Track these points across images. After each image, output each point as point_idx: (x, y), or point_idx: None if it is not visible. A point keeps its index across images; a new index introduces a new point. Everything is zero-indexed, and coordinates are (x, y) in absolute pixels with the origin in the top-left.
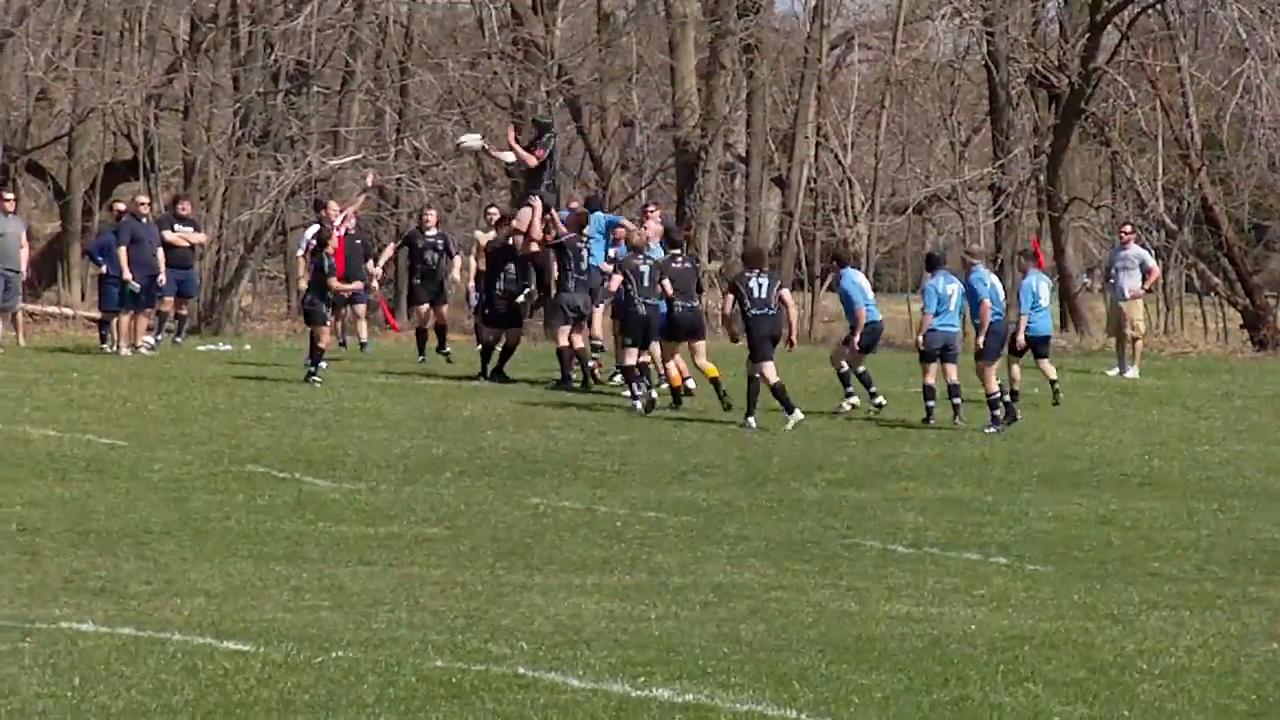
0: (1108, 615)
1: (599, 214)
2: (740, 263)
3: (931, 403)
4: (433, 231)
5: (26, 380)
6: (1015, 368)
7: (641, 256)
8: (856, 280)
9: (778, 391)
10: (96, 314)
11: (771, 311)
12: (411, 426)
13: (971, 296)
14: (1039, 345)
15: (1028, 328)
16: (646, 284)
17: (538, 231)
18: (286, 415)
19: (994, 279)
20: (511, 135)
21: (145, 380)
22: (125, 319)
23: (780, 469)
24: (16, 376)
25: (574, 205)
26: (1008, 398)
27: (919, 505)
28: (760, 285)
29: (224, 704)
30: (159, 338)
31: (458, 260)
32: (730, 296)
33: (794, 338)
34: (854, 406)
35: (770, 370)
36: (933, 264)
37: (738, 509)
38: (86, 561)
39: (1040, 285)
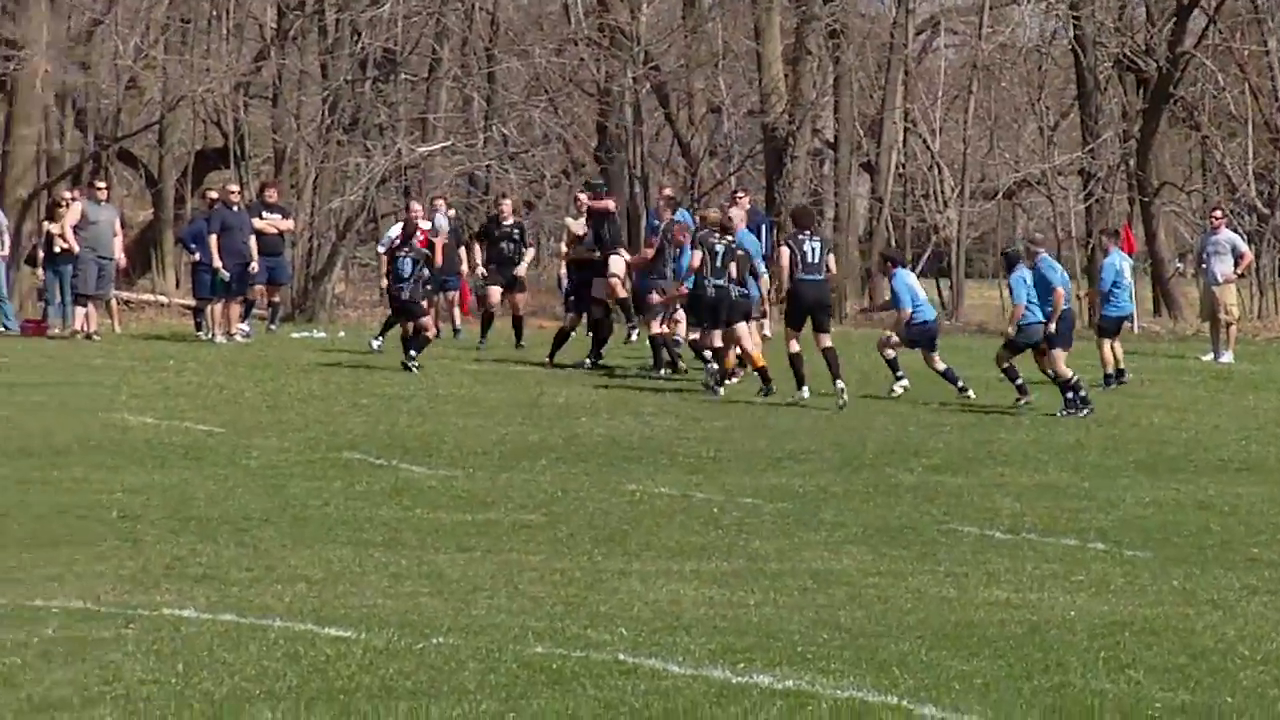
0: (1207, 601)
1: (682, 211)
2: (790, 222)
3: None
4: (509, 221)
5: (123, 368)
6: (1116, 346)
7: (718, 235)
8: (907, 280)
9: (795, 361)
10: (191, 301)
11: (820, 278)
12: (507, 413)
13: (1043, 285)
14: (1116, 325)
15: (1111, 306)
16: (719, 264)
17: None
18: (382, 402)
19: (1061, 267)
20: (583, 203)
21: (241, 368)
22: (219, 307)
23: (876, 455)
24: (113, 364)
25: (667, 192)
26: (1081, 382)
27: (1016, 491)
28: (813, 250)
29: (326, 690)
30: (251, 325)
31: (530, 252)
32: (786, 252)
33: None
34: (905, 389)
35: (795, 342)
36: (1011, 263)
37: (834, 495)
38: (187, 548)
39: (1123, 265)
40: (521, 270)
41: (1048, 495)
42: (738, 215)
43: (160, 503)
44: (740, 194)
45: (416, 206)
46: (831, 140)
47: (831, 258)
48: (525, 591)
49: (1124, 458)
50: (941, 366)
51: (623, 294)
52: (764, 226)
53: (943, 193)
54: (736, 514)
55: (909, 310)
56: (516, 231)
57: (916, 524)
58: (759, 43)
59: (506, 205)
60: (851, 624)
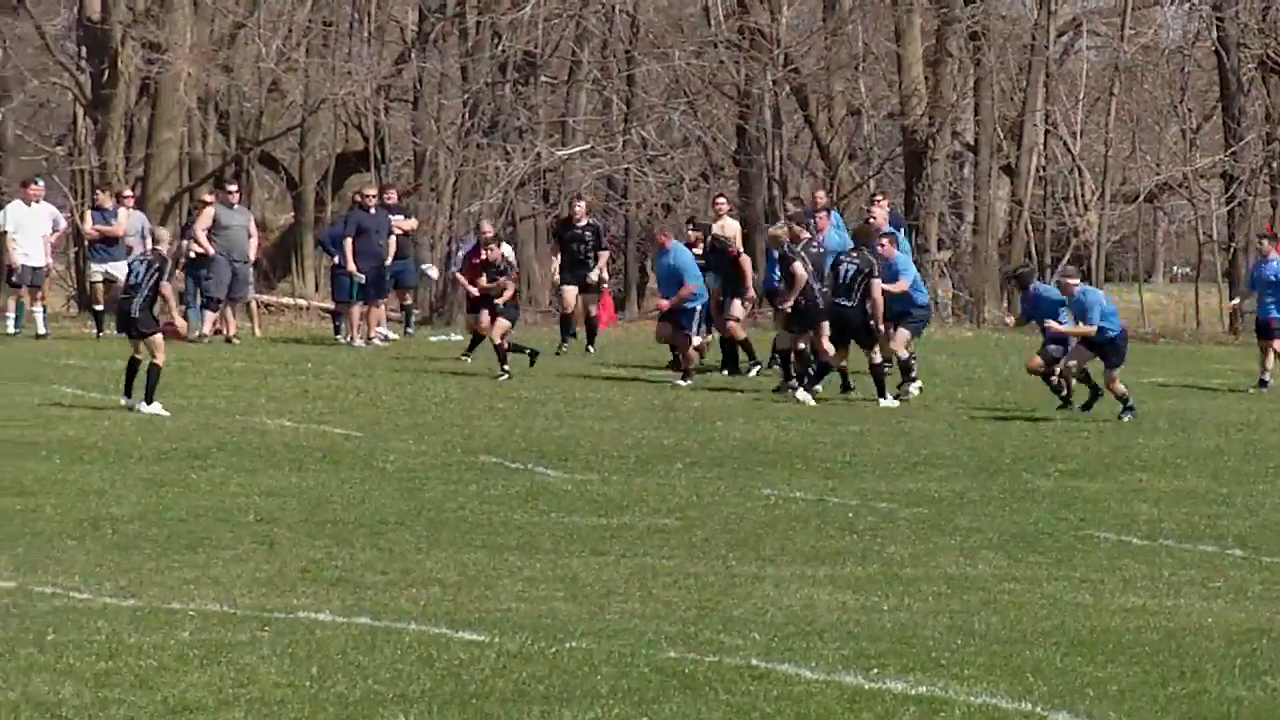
0: None
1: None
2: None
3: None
4: (582, 222)
5: (262, 371)
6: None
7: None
8: (1091, 298)
9: (792, 359)
10: (330, 305)
11: (847, 304)
12: (642, 418)
13: (1081, 313)
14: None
15: (1266, 311)
16: (841, 283)
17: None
18: (518, 406)
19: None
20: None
21: (378, 371)
22: (357, 310)
23: (1012, 460)
24: (252, 367)
25: (821, 199)
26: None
27: (1153, 497)
28: (847, 271)
29: (459, 694)
30: (389, 328)
31: (604, 255)
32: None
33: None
34: (920, 390)
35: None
36: (1024, 284)
37: (970, 500)
38: (323, 551)
39: (1267, 270)
40: (594, 275)
41: (1186, 501)
42: (880, 217)
43: (297, 506)
44: (879, 197)
45: (487, 225)
46: (971, 143)
47: (877, 283)
48: (659, 596)
49: (1264, 464)
50: (1121, 389)
51: (741, 336)
52: (902, 230)
53: (1083, 196)
54: (871, 519)
55: (1094, 326)
56: (589, 234)
57: (1053, 529)
58: (899, 45)
59: (580, 206)
60: (986, 630)
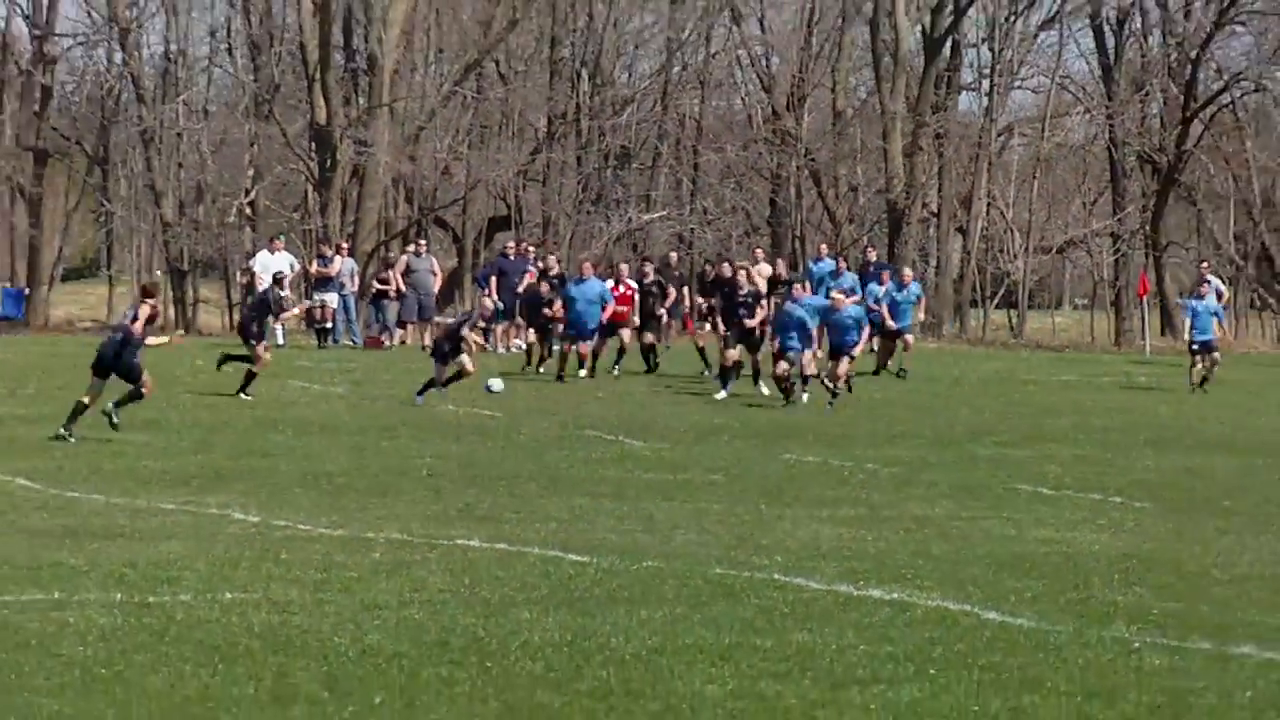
0: (1192, 539)
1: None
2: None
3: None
4: (649, 279)
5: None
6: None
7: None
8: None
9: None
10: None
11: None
12: (698, 405)
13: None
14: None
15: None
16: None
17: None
18: (612, 395)
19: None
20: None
21: (513, 371)
22: (500, 328)
23: (961, 434)
24: (429, 369)
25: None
26: None
27: (1060, 460)
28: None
29: (568, 598)
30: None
31: (670, 295)
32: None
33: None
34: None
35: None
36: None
37: (930, 463)
38: (473, 497)
39: (1198, 305)
40: (659, 311)
41: (1082, 464)
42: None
43: (455, 465)
44: (869, 249)
45: (649, 267)
46: (935, 211)
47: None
48: (709, 529)
49: (1137, 437)
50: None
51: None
52: (886, 272)
53: (1013, 248)
54: (861, 476)
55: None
56: (655, 286)
57: (988, 484)
58: (885, 141)
59: (648, 267)
60: (940, 554)
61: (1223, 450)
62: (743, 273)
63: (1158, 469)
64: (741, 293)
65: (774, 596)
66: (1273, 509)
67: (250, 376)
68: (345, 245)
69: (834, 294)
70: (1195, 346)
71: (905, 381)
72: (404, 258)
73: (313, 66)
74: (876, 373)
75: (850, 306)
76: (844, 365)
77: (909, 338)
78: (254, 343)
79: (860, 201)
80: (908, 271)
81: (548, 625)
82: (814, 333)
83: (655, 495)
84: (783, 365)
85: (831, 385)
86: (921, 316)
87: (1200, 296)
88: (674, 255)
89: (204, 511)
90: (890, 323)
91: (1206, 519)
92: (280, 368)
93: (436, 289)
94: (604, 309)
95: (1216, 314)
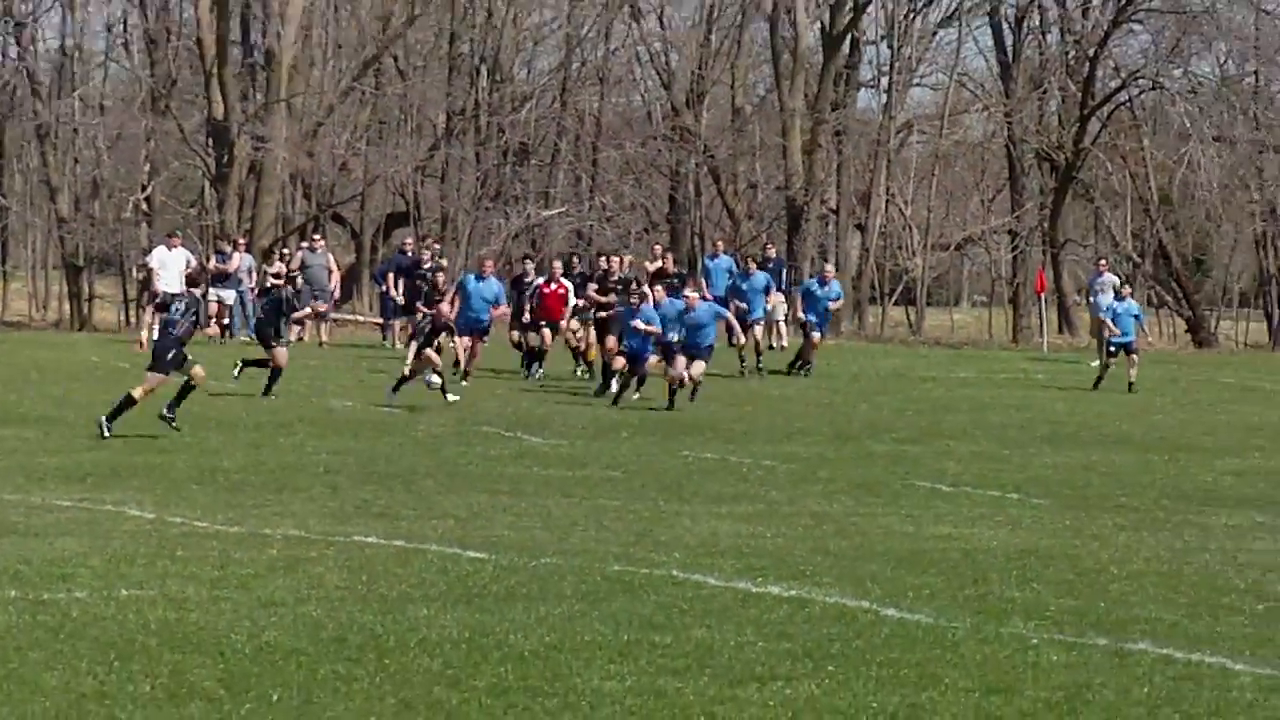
0: (1089, 535)
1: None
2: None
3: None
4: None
5: (332, 367)
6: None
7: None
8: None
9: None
10: (379, 320)
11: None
12: (595, 402)
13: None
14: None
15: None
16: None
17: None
18: (510, 391)
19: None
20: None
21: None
22: (397, 324)
23: (859, 430)
24: (323, 364)
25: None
26: None
27: (957, 457)
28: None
29: (466, 594)
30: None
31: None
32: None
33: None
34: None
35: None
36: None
37: (828, 459)
38: (371, 494)
39: (1119, 307)
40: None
41: (980, 460)
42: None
43: (354, 461)
44: (769, 245)
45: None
46: (834, 208)
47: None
48: (608, 526)
49: (1034, 433)
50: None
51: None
52: (783, 270)
53: (912, 245)
54: (759, 472)
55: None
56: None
57: (886, 480)
58: (784, 138)
59: (528, 265)
60: (838, 550)
61: (1120, 446)
62: (615, 260)
63: (1055, 465)
64: (612, 279)
65: (672, 593)
66: (1169, 505)
67: (275, 375)
68: (243, 241)
69: (687, 293)
70: (1112, 348)
71: (806, 379)
72: (299, 253)
73: (210, 62)
74: (799, 367)
75: (702, 305)
76: (697, 368)
77: (815, 335)
78: (273, 345)
79: (759, 198)
80: (830, 268)
81: (445, 622)
82: (663, 336)
83: (553, 492)
84: (619, 361)
85: (676, 387)
86: (833, 308)
87: (1121, 298)
88: (575, 257)
89: (99, 508)
90: (801, 314)
91: (1103, 515)
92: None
93: (333, 285)
94: (495, 309)
95: (1138, 316)
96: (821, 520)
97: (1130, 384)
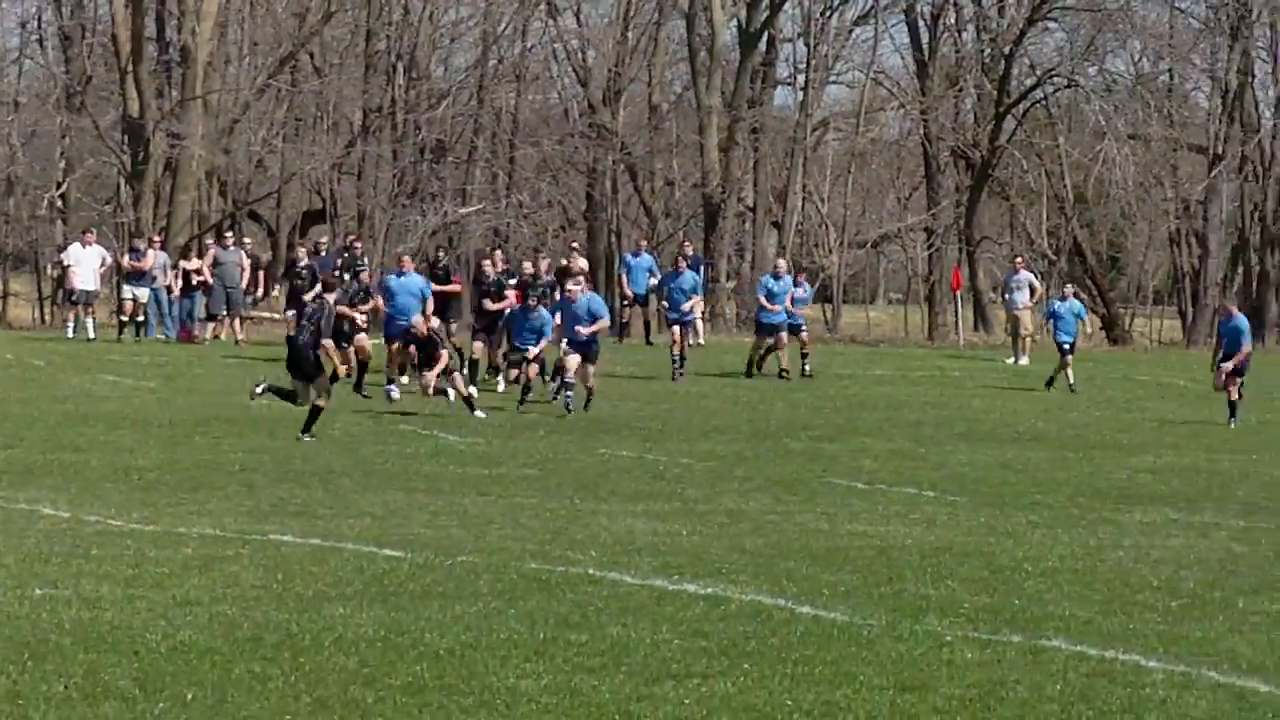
0: (1004, 532)
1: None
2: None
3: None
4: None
5: (247, 365)
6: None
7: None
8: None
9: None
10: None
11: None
12: (508, 401)
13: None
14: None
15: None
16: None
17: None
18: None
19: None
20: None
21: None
22: None
23: (775, 428)
24: (240, 363)
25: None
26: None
27: (873, 454)
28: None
29: (382, 593)
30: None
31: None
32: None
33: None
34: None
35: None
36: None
37: (745, 457)
38: (287, 492)
39: (1061, 307)
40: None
41: (895, 458)
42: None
43: (270, 460)
44: (686, 243)
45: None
46: (751, 205)
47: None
48: (524, 524)
49: (950, 431)
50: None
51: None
52: (700, 266)
53: (829, 243)
54: (676, 470)
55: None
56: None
57: (803, 478)
58: (702, 136)
59: (497, 256)
60: (754, 548)
61: (1035, 444)
62: (487, 262)
63: (971, 463)
64: (487, 281)
65: (589, 591)
66: (1084, 502)
67: (361, 370)
68: (158, 239)
69: (569, 285)
70: (1066, 347)
71: (724, 378)
72: (211, 250)
73: (125, 59)
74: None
75: (583, 297)
76: (572, 360)
77: (803, 334)
78: (345, 345)
79: (676, 196)
80: (781, 262)
81: (361, 621)
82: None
83: (470, 490)
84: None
85: (561, 379)
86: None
87: (1064, 297)
88: (499, 254)
89: (13, 506)
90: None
91: (1018, 513)
92: (91, 361)
93: (245, 282)
94: (424, 304)
95: (1079, 314)
96: (738, 518)
97: (1071, 385)
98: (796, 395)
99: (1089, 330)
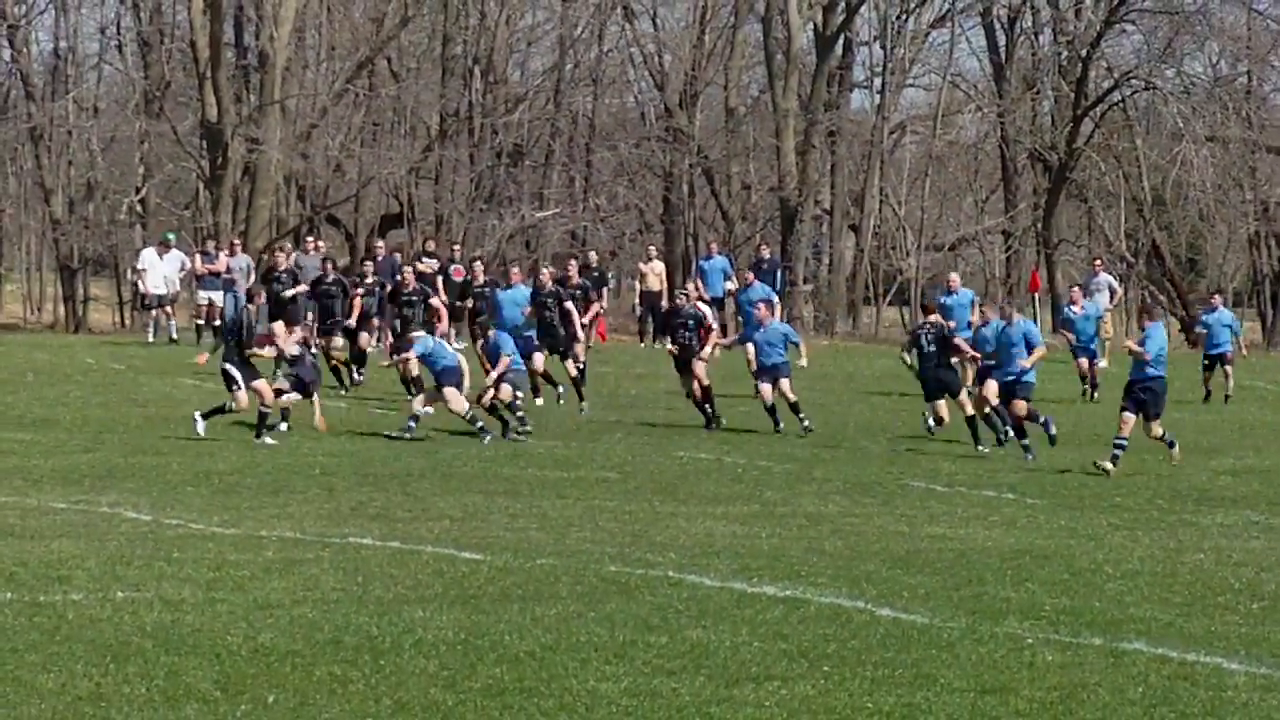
0: (1084, 535)
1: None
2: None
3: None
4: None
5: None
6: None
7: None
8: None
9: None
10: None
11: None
12: (592, 402)
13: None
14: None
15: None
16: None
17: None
18: None
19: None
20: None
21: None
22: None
23: (854, 431)
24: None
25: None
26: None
27: (951, 457)
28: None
29: (461, 595)
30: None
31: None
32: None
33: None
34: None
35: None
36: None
37: (823, 459)
38: (367, 495)
39: (1210, 317)
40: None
41: (974, 460)
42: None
43: (349, 463)
44: (763, 246)
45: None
46: (828, 208)
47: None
48: (604, 526)
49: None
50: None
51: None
52: (778, 271)
53: (905, 246)
54: (755, 473)
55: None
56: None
57: (882, 480)
58: (778, 139)
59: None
60: (834, 551)
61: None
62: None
63: (1051, 465)
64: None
65: (668, 594)
66: (1164, 504)
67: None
68: (238, 242)
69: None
70: (1218, 357)
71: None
72: (292, 256)
73: (203, 64)
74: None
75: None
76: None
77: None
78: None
79: (753, 199)
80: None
81: (441, 623)
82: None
83: (549, 493)
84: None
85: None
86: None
87: (1213, 308)
88: (593, 254)
89: (95, 510)
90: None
91: (1098, 515)
92: (170, 365)
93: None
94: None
95: (1230, 325)
96: (817, 521)
97: (1227, 396)
98: (875, 398)
99: (1242, 344)
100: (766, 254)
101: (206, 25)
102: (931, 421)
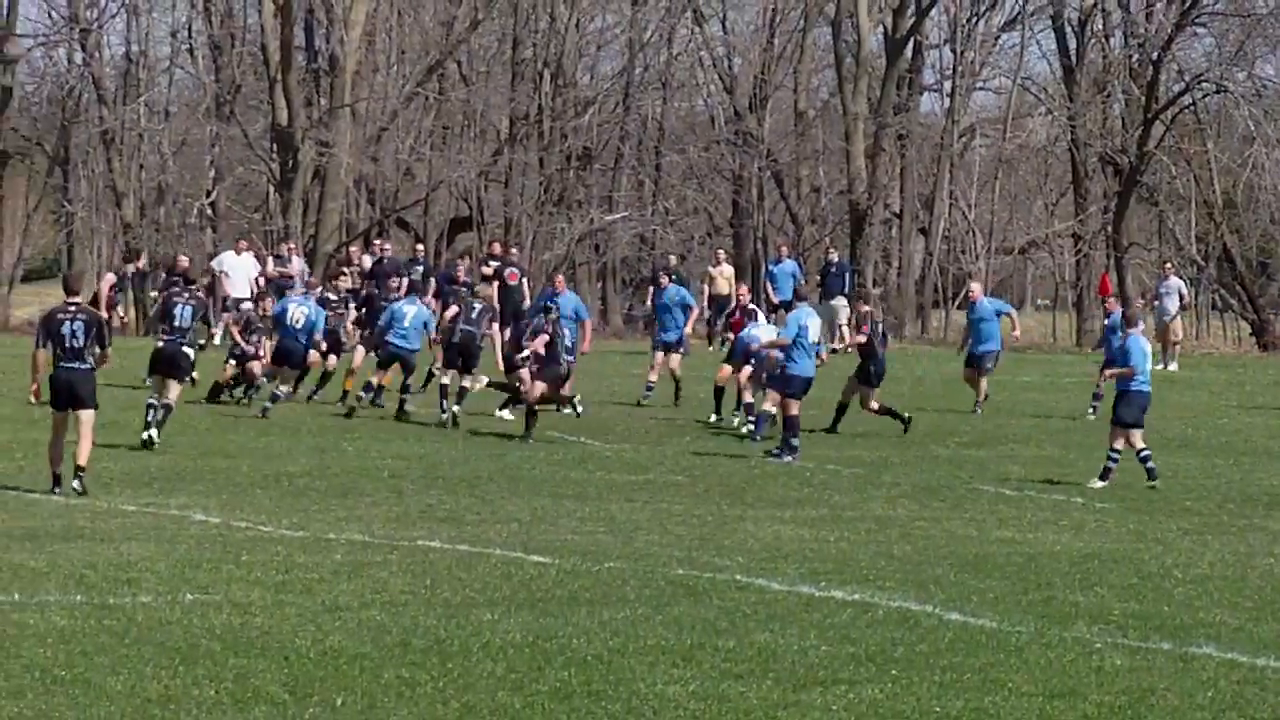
0: (1154, 539)
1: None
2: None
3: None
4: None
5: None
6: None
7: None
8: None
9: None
10: None
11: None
12: (658, 406)
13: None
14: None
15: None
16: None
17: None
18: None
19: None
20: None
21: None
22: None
23: (922, 435)
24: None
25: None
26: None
27: (1020, 461)
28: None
29: (530, 599)
30: None
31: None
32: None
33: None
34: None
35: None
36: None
37: (891, 463)
38: (435, 498)
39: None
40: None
41: (1043, 464)
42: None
43: (417, 466)
44: (831, 250)
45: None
46: (898, 212)
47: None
48: (671, 530)
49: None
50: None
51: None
52: (847, 274)
53: (975, 249)
54: (822, 476)
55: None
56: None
57: (950, 484)
58: (848, 143)
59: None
60: (902, 555)
61: (1184, 450)
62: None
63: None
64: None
65: (736, 597)
66: (1234, 509)
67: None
68: (293, 246)
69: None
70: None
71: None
72: (365, 259)
73: (274, 67)
74: None
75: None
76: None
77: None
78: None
79: (822, 203)
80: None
81: (509, 626)
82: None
83: (617, 496)
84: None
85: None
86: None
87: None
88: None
89: (165, 513)
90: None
91: (1168, 519)
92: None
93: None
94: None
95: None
96: (885, 524)
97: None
98: (943, 401)
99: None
100: (834, 257)
101: (277, 29)
102: None
